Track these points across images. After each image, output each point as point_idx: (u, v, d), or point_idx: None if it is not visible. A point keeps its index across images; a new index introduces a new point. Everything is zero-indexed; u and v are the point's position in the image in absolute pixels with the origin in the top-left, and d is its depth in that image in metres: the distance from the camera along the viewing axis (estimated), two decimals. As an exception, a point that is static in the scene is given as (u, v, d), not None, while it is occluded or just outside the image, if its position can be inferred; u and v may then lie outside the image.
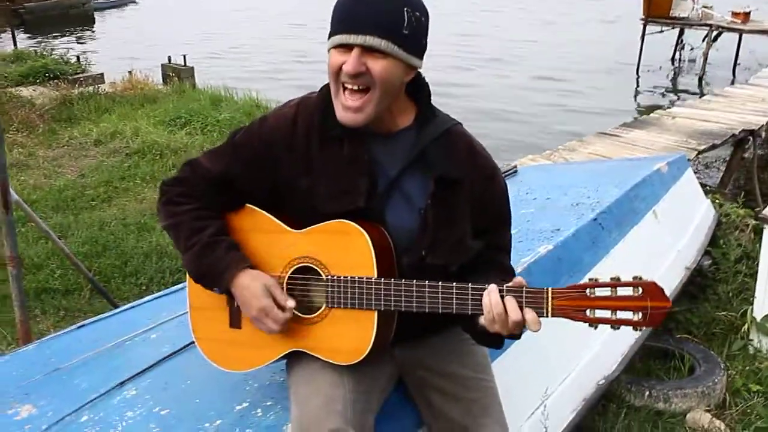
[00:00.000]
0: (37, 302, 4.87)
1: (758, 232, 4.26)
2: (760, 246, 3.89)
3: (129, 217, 6.45)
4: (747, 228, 4.69)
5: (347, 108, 1.61)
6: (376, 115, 1.62)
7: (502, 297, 1.54)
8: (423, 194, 1.70)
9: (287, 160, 1.72)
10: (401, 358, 1.89)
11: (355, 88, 1.59)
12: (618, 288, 1.43)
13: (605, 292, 1.44)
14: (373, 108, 1.61)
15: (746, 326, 3.84)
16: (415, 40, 1.59)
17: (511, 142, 11.57)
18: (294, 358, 1.80)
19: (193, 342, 1.95)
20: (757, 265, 3.91)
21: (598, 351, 2.93)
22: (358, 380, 1.73)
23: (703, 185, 7.15)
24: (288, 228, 1.75)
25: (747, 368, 3.57)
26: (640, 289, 1.42)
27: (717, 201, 5.00)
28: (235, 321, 1.82)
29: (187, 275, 1.85)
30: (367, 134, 1.67)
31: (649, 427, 3.13)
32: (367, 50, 1.55)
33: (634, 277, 1.44)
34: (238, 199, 1.80)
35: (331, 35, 1.60)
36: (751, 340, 3.83)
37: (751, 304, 3.89)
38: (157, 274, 5.26)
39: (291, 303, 1.70)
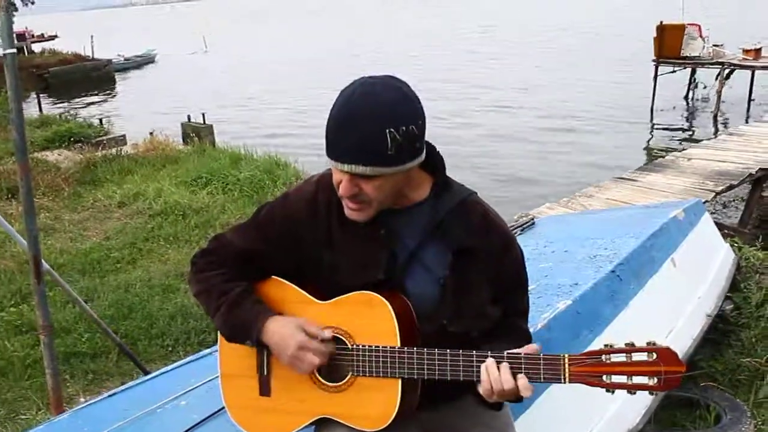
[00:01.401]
0: (65, 366, 4.94)
1: (780, 276, 4.27)
2: (781, 290, 3.90)
3: (154, 278, 6.55)
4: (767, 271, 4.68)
5: (351, 209, 1.69)
6: (381, 209, 1.70)
7: (498, 365, 1.59)
8: (442, 264, 1.74)
9: (309, 236, 1.79)
10: (427, 422, 1.91)
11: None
12: (633, 353, 1.47)
13: (620, 357, 1.48)
14: (375, 210, 1.69)
15: (771, 372, 3.80)
16: (403, 154, 1.60)
17: (527, 188, 11.65)
18: (322, 425, 1.84)
19: (222, 408, 2.00)
20: (780, 309, 3.90)
21: (621, 404, 2.91)
22: (384, 446, 1.77)
23: (722, 225, 7.14)
24: (314, 299, 1.81)
25: (775, 416, 3.54)
26: (654, 354, 1.45)
27: (736, 244, 4.99)
28: (265, 389, 1.87)
29: (219, 340, 1.90)
30: (385, 210, 1.73)
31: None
32: (357, 175, 1.61)
33: (648, 343, 1.47)
34: (263, 271, 1.86)
35: (326, 152, 1.64)
36: (778, 386, 3.79)
37: (775, 349, 3.87)
38: (182, 336, 5.32)
39: (327, 333, 1.74)
